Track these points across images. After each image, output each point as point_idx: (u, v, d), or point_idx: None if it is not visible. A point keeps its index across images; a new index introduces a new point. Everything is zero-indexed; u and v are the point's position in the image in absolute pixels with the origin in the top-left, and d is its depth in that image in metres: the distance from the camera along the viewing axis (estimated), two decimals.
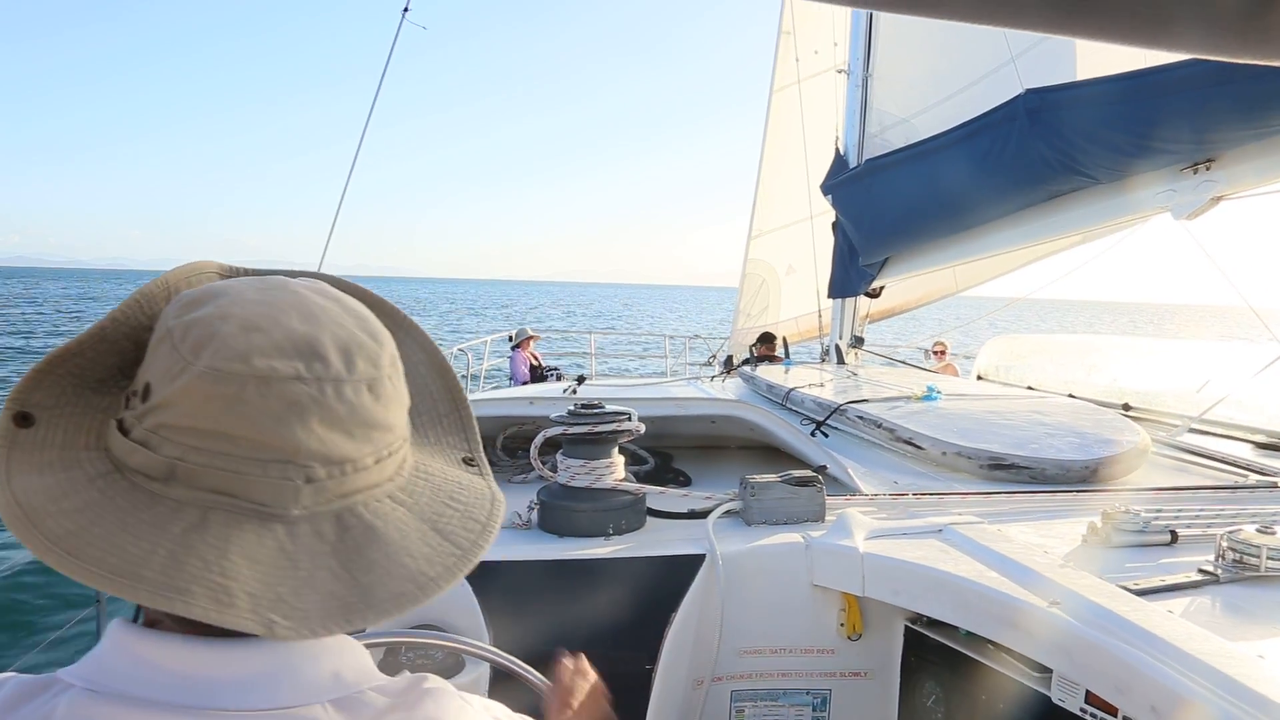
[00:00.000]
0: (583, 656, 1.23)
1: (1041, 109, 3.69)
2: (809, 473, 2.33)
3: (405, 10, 4.06)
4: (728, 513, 2.29)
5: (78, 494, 0.63)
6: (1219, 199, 3.23)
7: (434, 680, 0.71)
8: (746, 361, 6.52)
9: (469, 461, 0.80)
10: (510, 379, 10.79)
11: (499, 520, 0.74)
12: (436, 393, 0.83)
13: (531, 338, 11.10)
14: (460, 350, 9.21)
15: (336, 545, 0.65)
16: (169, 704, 0.60)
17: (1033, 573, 1.70)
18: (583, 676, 1.20)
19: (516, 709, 0.84)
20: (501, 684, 1.83)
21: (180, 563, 0.59)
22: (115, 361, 0.70)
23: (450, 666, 1.82)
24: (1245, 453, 2.94)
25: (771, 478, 2.28)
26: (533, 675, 1.28)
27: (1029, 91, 3.76)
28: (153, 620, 0.66)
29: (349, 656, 0.68)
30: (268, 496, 0.63)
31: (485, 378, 9.18)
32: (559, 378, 9.32)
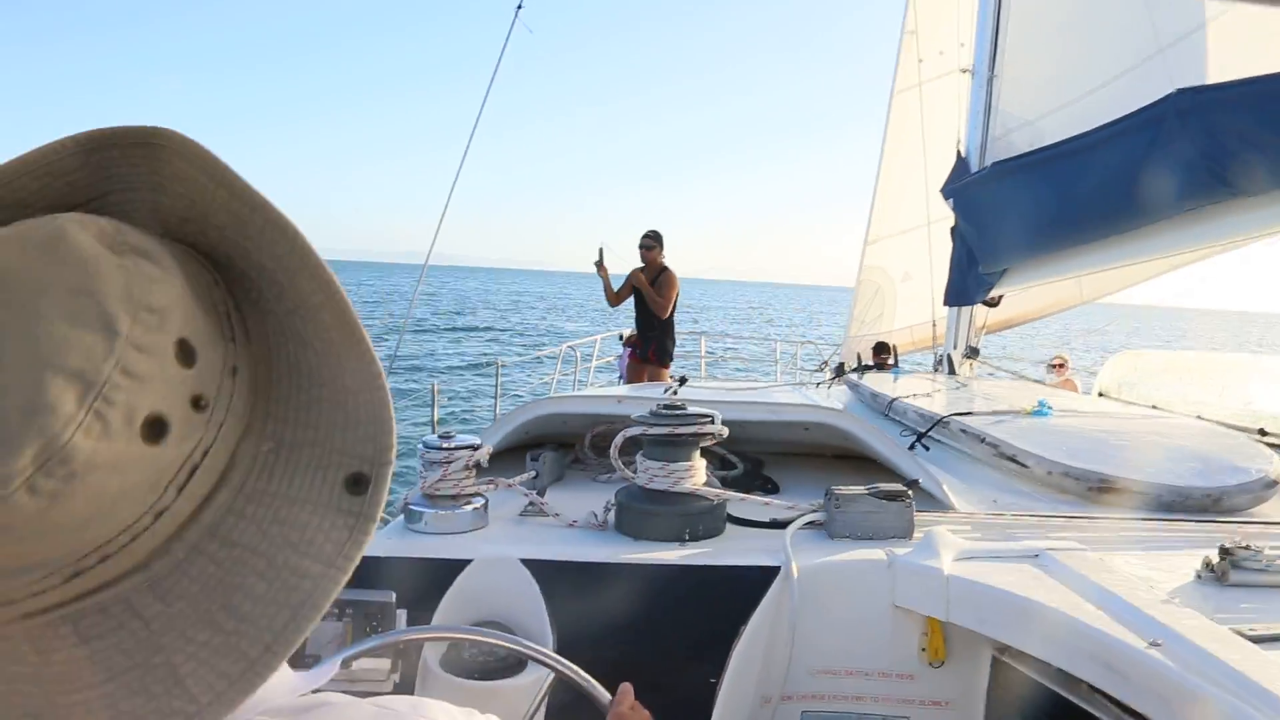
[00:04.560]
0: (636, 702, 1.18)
1: (1194, 110, 3.39)
2: (898, 486, 2.22)
3: (519, 7, 4.11)
4: (811, 524, 2.21)
5: None
6: None
7: (336, 697, 0.61)
8: (856, 369, 6.34)
9: (359, 483, 0.54)
10: (620, 378, 10.81)
11: (296, 637, 0.50)
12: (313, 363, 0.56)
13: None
14: (570, 348, 9.25)
15: None
16: None
17: (1133, 608, 1.56)
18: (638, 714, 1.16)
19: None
20: (562, 687, 1.80)
21: None
22: None
23: (513, 664, 1.81)
24: None
25: (858, 489, 2.18)
26: (594, 687, 1.24)
27: (1180, 91, 3.45)
28: None
29: None
30: None
31: (594, 374, 9.19)
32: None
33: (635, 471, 2.24)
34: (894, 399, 3.65)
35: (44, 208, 0.52)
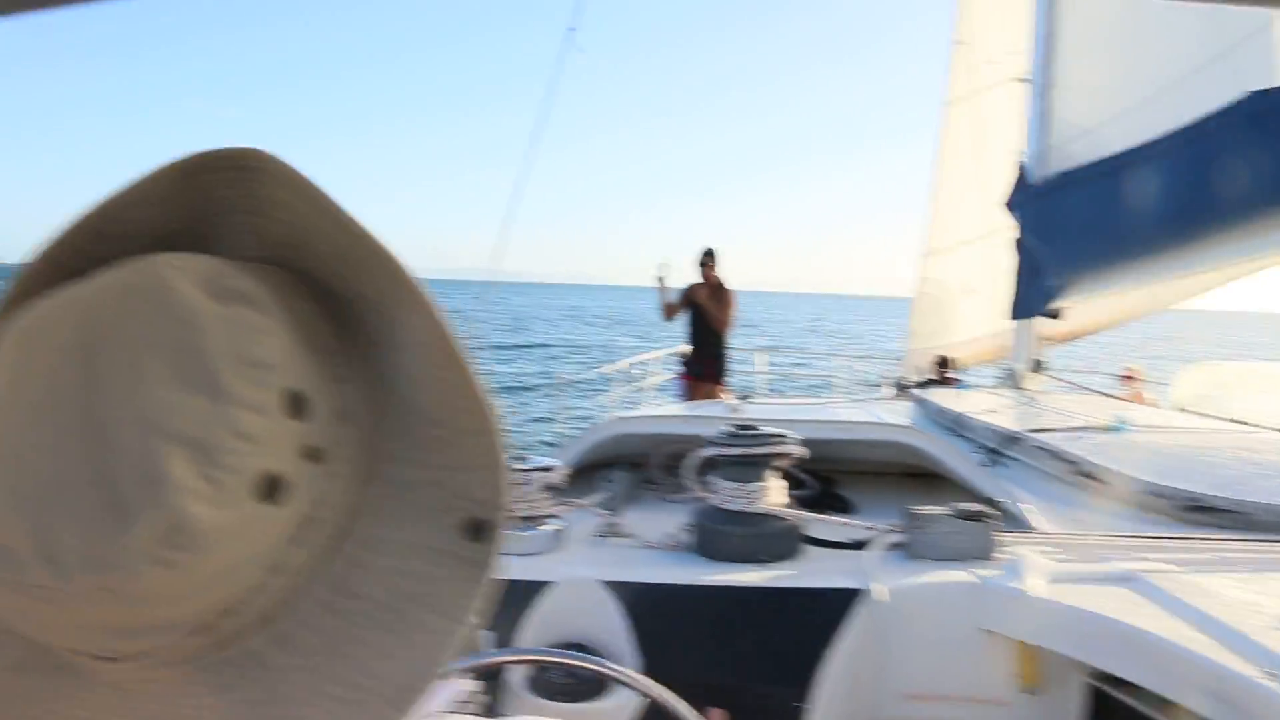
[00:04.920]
0: None
1: (1270, 113, 3.29)
2: (979, 506, 2.18)
3: (572, 29, 4.16)
4: (889, 545, 2.17)
5: None
6: None
7: (450, 718, 0.61)
8: (920, 384, 6.25)
9: (478, 529, 0.52)
10: (679, 396, 10.70)
11: (419, 691, 0.49)
12: (433, 405, 0.53)
13: None
14: (631, 366, 9.18)
15: None
16: None
17: (1242, 636, 1.50)
18: None
19: None
20: (651, 711, 1.79)
21: None
22: None
23: (596, 687, 1.80)
24: None
25: (938, 510, 2.15)
26: (691, 714, 1.21)
27: (1254, 94, 3.36)
28: None
29: None
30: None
31: (656, 392, 9.12)
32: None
33: (711, 491, 2.23)
34: (962, 414, 3.60)
35: (146, 237, 0.52)
